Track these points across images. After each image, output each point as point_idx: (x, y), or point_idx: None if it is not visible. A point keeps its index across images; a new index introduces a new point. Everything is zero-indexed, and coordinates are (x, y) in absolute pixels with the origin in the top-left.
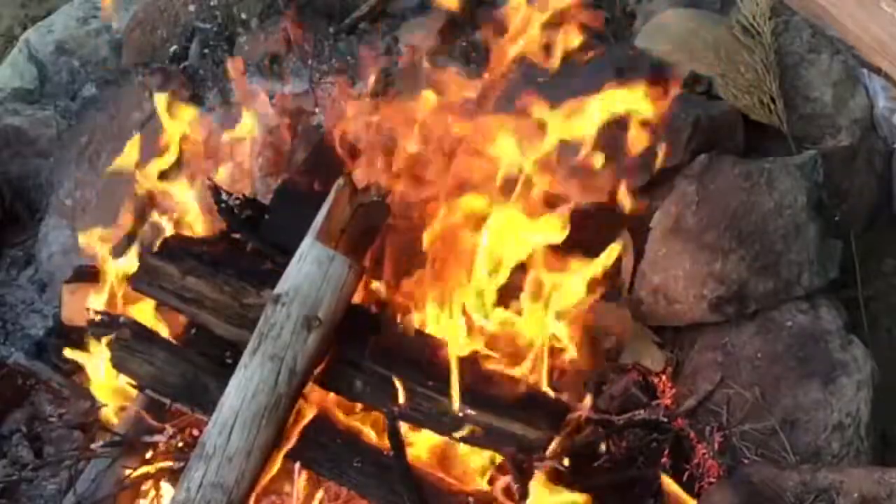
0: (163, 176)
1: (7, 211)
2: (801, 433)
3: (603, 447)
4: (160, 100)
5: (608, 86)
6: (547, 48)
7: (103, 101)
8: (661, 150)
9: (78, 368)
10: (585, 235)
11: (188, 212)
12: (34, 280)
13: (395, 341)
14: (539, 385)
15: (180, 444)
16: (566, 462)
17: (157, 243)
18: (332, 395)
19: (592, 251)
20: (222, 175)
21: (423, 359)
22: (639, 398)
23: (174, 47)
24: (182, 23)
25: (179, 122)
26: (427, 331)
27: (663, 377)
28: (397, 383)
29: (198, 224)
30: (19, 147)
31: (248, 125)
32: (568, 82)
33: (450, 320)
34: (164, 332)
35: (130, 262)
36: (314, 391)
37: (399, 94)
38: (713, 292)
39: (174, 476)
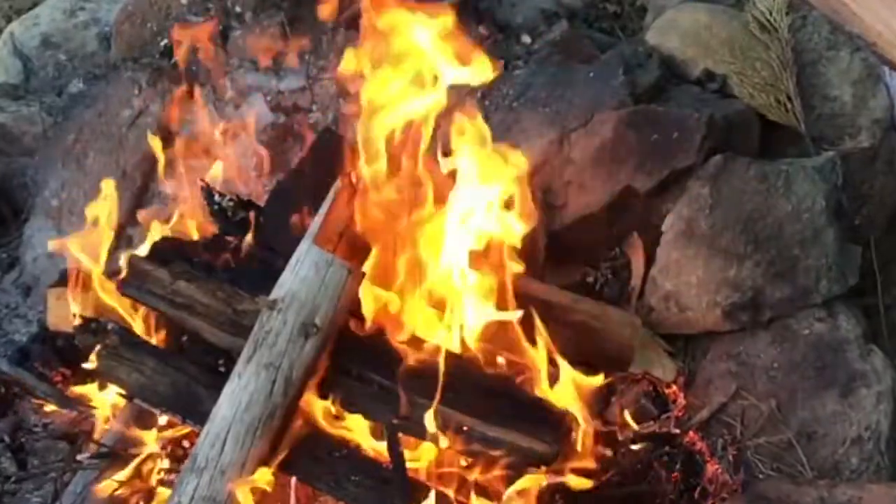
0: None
1: None
2: (819, 447)
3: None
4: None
5: None
6: None
7: (91, 97)
8: None
9: (64, 377)
10: (591, 238)
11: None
12: (18, 283)
13: (396, 350)
14: (544, 396)
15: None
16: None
17: (148, 246)
18: (329, 405)
19: (598, 255)
20: (215, 175)
21: (424, 368)
22: (649, 409)
23: (165, 41)
24: (173, 16)
25: None
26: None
27: (675, 388)
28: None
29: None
30: (3, 145)
31: None
32: (573, 79)
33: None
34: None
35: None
36: (311, 401)
37: None
38: (727, 299)
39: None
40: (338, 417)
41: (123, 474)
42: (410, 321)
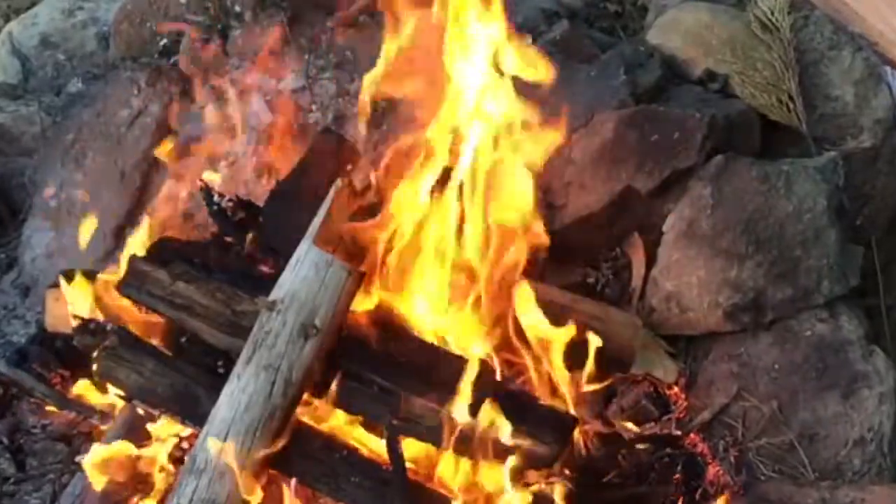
0: None
1: None
2: (821, 448)
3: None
4: None
5: None
6: None
7: (90, 97)
8: None
9: (62, 378)
10: (592, 238)
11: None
12: (16, 284)
13: (396, 349)
14: (545, 397)
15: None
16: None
17: (147, 247)
18: (329, 406)
19: (599, 255)
20: (214, 176)
21: (425, 368)
22: (650, 411)
23: (164, 41)
24: (172, 15)
25: None
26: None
27: (676, 389)
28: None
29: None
30: (1, 145)
31: None
32: (574, 78)
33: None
34: None
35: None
36: (310, 402)
37: None
38: (729, 300)
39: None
40: (337, 418)
41: (121, 474)
42: (410, 320)
